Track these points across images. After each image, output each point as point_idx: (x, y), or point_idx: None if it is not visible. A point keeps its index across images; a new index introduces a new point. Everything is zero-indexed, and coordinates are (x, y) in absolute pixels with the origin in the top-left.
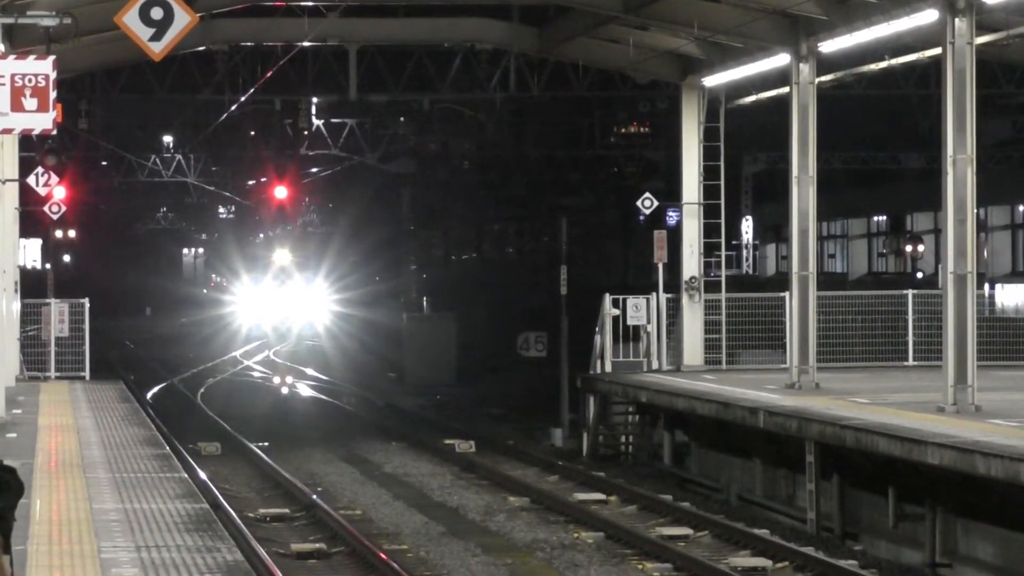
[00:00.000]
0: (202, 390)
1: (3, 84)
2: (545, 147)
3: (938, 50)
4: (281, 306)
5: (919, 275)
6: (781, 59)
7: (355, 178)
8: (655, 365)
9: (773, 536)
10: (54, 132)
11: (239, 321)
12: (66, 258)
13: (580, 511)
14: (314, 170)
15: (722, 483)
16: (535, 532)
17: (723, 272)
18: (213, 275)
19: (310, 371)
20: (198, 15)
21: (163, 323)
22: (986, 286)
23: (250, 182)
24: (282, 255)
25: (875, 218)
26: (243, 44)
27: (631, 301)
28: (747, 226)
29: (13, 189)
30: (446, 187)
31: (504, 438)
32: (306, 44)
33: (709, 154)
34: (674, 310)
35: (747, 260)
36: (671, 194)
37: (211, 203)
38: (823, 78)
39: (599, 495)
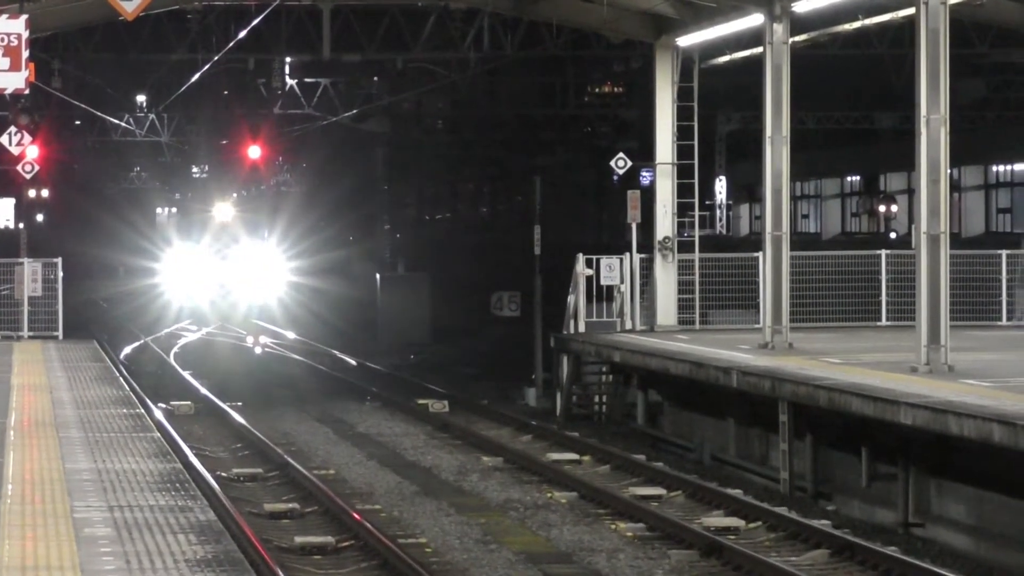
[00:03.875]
0: (175, 349)
1: None
2: (519, 106)
3: (912, 10)
4: (223, 276)
5: (892, 235)
6: (755, 19)
7: (329, 137)
8: (628, 325)
9: (746, 496)
10: (27, 91)
11: (168, 295)
12: (39, 217)
13: (553, 471)
14: (287, 129)
15: (695, 443)
16: (508, 492)
17: (696, 232)
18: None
19: (283, 331)
20: None
21: (135, 283)
22: None
23: (224, 141)
24: (224, 210)
25: (848, 178)
26: (216, 3)
27: (604, 261)
28: (721, 186)
29: None
30: (420, 146)
31: (478, 398)
32: (280, 3)
33: (683, 114)
34: (648, 270)
35: (720, 220)
36: (645, 154)
37: (185, 163)
38: (797, 38)
39: (572, 455)
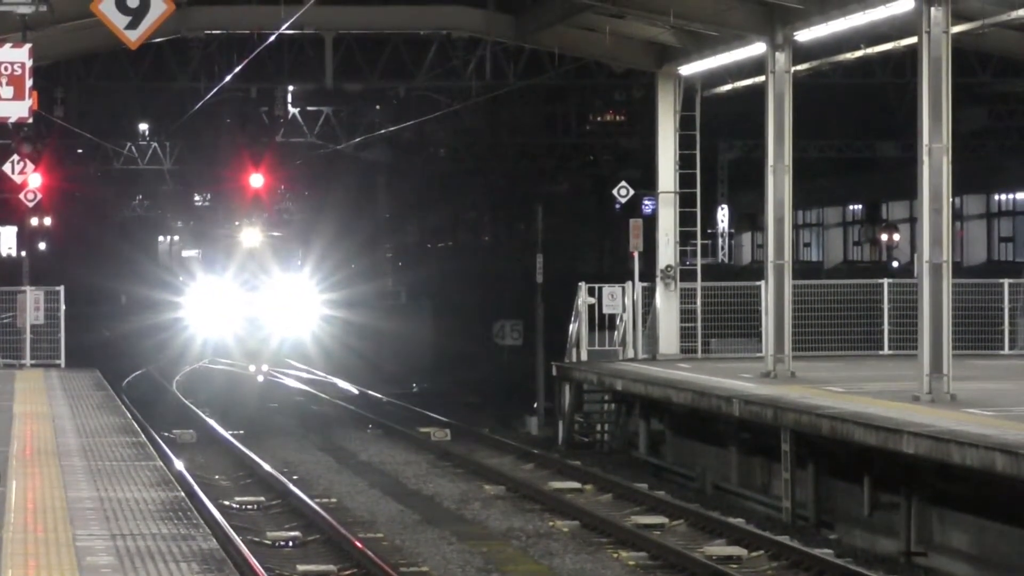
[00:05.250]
0: (177, 378)
1: None
2: (521, 135)
3: (914, 39)
4: (252, 309)
5: (895, 264)
6: (757, 48)
7: (335, 165)
8: (630, 354)
9: (748, 525)
10: (30, 120)
11: (191, 331)
12: (41, 246)
13: (555, 499)
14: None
15: (697, 472)
16: (510, 520)
17: (699, 260)
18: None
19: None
20: (174, 3)
21: (137, 312)
22: None
23: (226, 171)
24: (251, 235)
25: (851, 207)
26: (219, 32)
27: (607, 290)
28: (723, 214)
29: None
30: (422, 175)
31: (480, 426)
32: (282, 32)
33: (685, 143)
34: (650, 298)
35: (723, 248)
36: (647, 182)
37: (187, 191)
38: (799, 67)
39: (574, 483)
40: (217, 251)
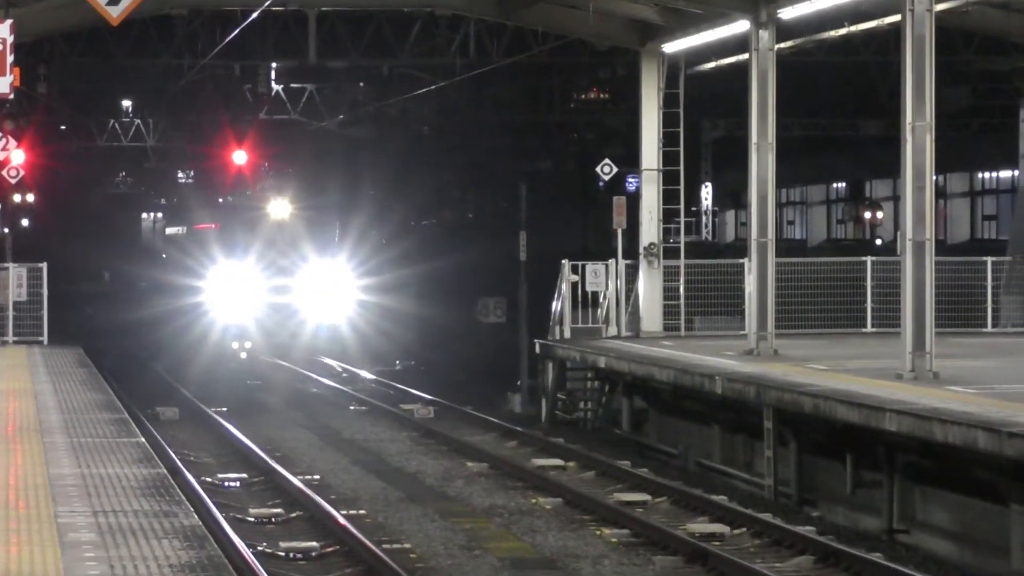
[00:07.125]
0: (162, 357)
1: None
2: (505, 113)
3: (898, 17)
4: (283, 294)
5: (878, 242)
6: (741, 26)
7: (319, 143)
8: (614, 331)
9: (731, 502)
10: (11, 96)
11: (209, 320)
12: (24, 222)
13: (538, 477)
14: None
15: (680, 449)
16: (493, 498)
17: (682, 238)
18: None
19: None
20: None
21: (120, 289)
22: None
23: (209, 147)
24: (280, 207)
25: (834, 185)
26: (202, 8)
27: (590, 267)
28: (706, 192)
29: None
30: (406, 152)
31: (463, 404)
32: (266, 8)
33: (668, 120)
34: (633, 276)
35: (706, 226)
36: (631, 160)
37: (171, 168)
38: (782, 45)
39: (557, 461)
40: (235, 226)
